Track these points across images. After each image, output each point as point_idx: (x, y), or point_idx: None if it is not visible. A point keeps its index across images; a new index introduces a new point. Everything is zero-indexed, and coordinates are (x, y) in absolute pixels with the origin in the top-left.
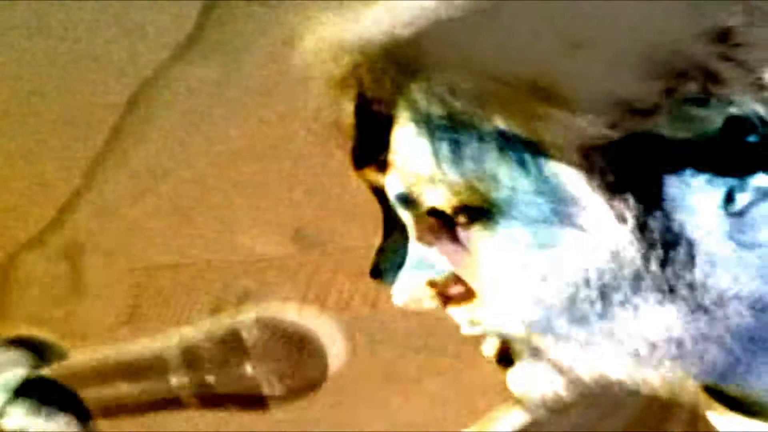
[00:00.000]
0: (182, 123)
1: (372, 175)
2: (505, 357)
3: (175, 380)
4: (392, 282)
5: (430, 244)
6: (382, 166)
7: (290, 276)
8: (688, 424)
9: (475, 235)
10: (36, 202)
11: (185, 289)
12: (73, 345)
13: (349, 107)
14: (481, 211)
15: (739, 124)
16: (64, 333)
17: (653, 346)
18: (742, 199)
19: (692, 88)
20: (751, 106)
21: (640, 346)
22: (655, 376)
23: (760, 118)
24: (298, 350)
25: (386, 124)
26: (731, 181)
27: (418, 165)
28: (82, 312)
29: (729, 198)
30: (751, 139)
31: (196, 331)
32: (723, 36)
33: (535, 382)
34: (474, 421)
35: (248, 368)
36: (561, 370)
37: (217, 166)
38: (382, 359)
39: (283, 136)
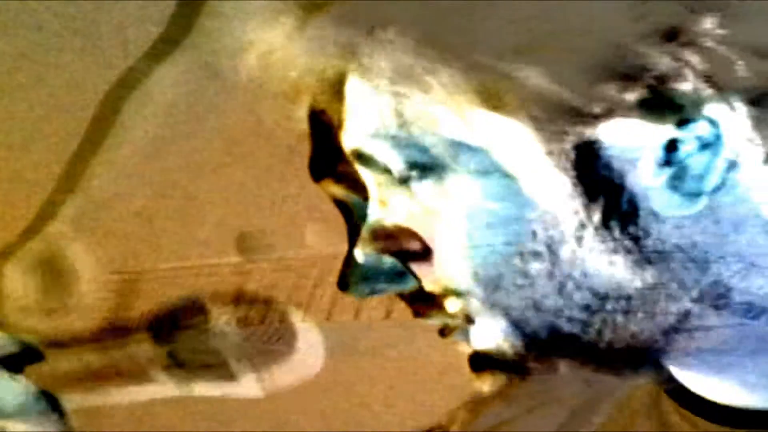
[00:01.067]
0: (155, 127)
1: (331, 186)
2: (468, 317)
3: (165, 376)
4: (361, 295)
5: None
6: (341, 177)
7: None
8: (661, 424)
9: (427, 190)
10: (9, 209)
11: (163, 295)
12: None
13: (302, 118)
14: (429, 166)
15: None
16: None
17: (603, 299)
18: (682, 149)
19: (642, 90)
20: (703, 107)
21: (589, 299)
22: (608, 331)
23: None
24: (286, 343)
25: (340, 133)
26: (671, 130)
27: (365, 120)
28: (61, 320)
29: (670, 148)
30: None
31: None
32: (671, 35)
33: (492, 337)
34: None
35: (236, 363)
36: (519, 328)
37: (190, 170)
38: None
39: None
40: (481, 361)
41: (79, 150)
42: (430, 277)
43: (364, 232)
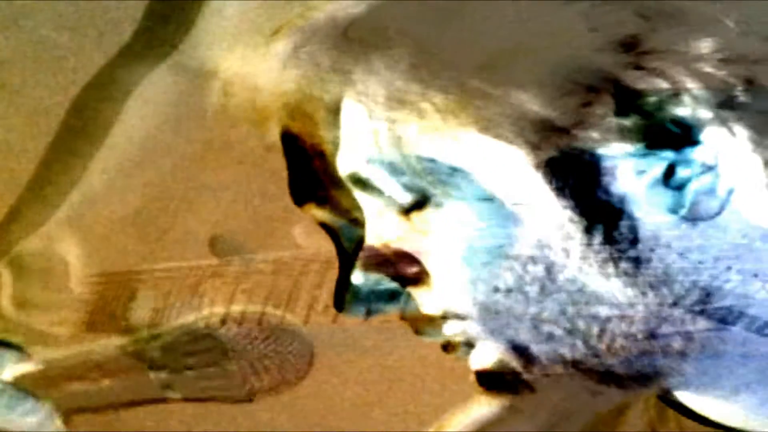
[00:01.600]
0: (132, 127)
1: (314, 210)
2: (468, 340)
3: (154, 376)
4: (358, 315)
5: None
6: (323, 201)
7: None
8: (647, 424)
9: (426, 216)
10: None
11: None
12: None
13: (275, 143)
14: (426, 192)
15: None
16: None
17: (603, 325)
18: (682, 173)
19: (607, 101)
20: (670, 111)
21: (591, 324)
22: (610, 357)
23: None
24: (278, 343)
25: (317, 158)
26: (671, 155)
27: (360, 145)
28: (38, 323)
29: (670, 172)
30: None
31: (174, 327)
32: (629, 45)
33: (492, 357)
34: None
35: (229, 364)
36: (518, 351)
37: (170, 172)
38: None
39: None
40: (488, 378)
41: (65, 152)
42: (429, 301)
43: (362, 256)
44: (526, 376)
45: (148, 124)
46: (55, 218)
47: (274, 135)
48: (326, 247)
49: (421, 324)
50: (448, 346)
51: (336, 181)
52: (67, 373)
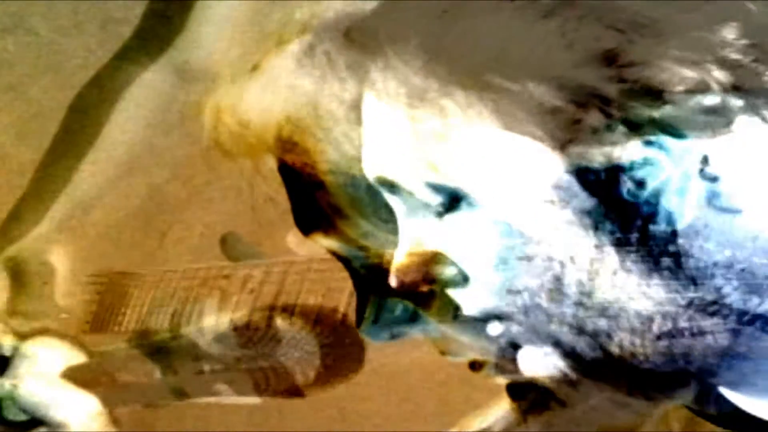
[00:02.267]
0: (131, 128)
1: (321, 239)
2: (512, 341)
3: (208, 367)
4: (381, 339)
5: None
6: (329, 230)
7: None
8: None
9: (459, 217)
10: None
11: (147, 298)
12: None
13: (272, 175)
14: (454, 195)
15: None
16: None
17: (648, 321)
18: (716, 164)
19: (596, 116)
20: (734, 120)
21: (634, 321)
22: (654, 353)
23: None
24: (332, 337)
25: (317, 190)
26: (705, 146)
27: (385, 145)
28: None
29: (705, 163)
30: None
31: (228, 320)
32: (609, 59)
33: (540, 363)
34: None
35: (280, 357)
36: (564, 351)
37: (170, 172)
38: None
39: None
40: (518, 391)
41: (61, 153)
42: (469, 302)
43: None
44: (556, 389)
45: (139, 125)
46: (50, 221)
47: (271, 165)
48: (323, 252)
49: (447, 345)
50: (475, 365)
51: (339, 212)
52: (118, 361)
